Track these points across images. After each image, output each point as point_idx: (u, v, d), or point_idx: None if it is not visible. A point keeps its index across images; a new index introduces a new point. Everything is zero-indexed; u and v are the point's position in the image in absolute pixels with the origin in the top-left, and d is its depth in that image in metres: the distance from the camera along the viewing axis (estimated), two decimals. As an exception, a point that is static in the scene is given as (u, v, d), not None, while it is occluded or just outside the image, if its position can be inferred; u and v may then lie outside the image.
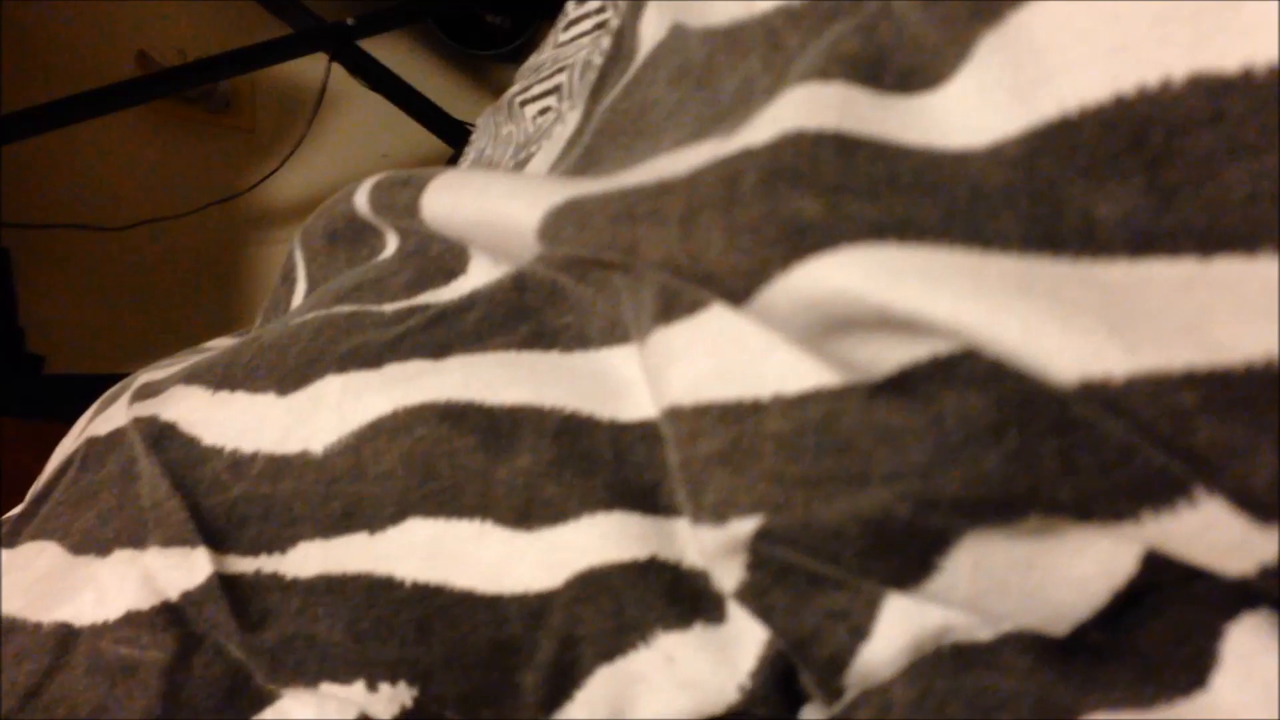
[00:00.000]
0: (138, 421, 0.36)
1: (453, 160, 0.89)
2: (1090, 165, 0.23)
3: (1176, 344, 0.21)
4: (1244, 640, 0.23)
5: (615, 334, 0.33)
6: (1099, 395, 0.22)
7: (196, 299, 1.65)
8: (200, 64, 1.32)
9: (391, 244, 0.40)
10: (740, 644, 0.29)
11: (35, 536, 0.35)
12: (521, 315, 0.35)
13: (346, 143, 1.77)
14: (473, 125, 0.73)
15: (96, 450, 0.37)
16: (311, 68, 1.49)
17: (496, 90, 1.97)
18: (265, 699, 0.30)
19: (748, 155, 0.27)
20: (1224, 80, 0.21)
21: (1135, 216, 0.22)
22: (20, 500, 0.39)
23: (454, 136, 1.63)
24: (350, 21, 1.40)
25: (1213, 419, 0.21)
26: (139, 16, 1.61)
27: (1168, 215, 0.22)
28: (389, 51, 1.57)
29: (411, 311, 0.36)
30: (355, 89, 1.55)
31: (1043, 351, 0.22)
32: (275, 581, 0.31)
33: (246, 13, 1.50)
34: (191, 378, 0.37)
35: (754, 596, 0.28)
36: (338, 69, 1.47)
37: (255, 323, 0.50)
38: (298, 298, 0.45)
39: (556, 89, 0.58)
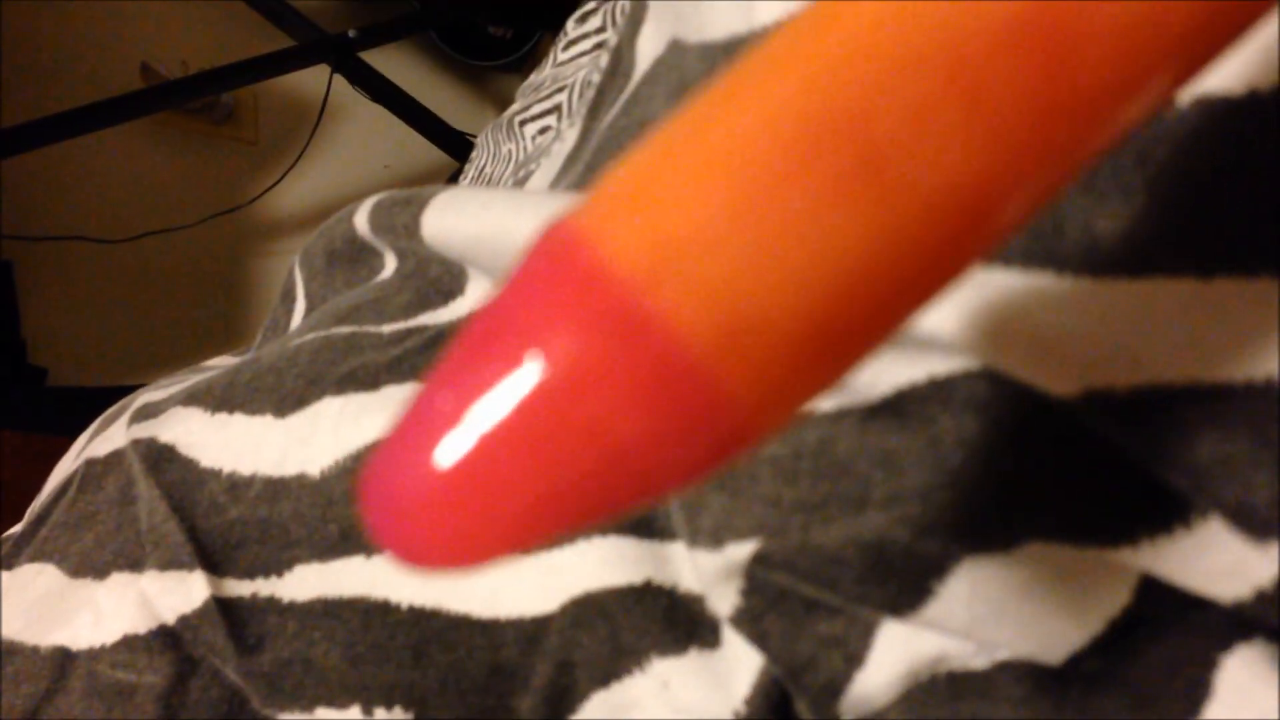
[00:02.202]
0: (136, 443, 0.36)
1: (456, 174, 0.89)
2: (1093, 182, 0.23)
3: (1180, 360, 0.21)
4: (1237, 671, 0.23)
5: None
6: (1103, 403, 0.22)
7: (199, 310, 1.65)
8: (203, 76, 1.32)
9: (390, 265, 0.40)
10: (735, 670, 0.29)
11: (34, 558, 0.35)
12: None
13: (348, 154, 1.77)
14: (474, 136, 0.73)
15: (95, 472, 0.37)
16: (313, 80, 1.49)
17: (499, 101, 1.98)
18: (262, 724, 0.30)
19: None
20: (1229, 102, 0.21)
21: (1136, 234, 0.22)
22: (21, 515, 0.39)
23: (456, 148, 1.63)
24: (352, 33, 1.40)
25: (1214, 434, 0.21)
26: (142, 29, 1.62)
27: (1168, 234, 0.22)
28: (391, 63, 1.58)
29: (409, 333, 0.36)
30: (357, 101, 1.56)
31: (1047, 362, 0.22)
32: (272, 605, 0.31)
33: (249, 25, 1.51)
34: (190, 399, 0.37)
35: (749, 622, 0.28)
36: (340, 81, 1.48)
37: (256, 338, 0.50)
38: (297, 317, 0.45)
39: (556, 108, 0.58)
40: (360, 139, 1.78)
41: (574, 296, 0.11)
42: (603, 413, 0.11)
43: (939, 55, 0.11)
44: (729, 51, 0.33)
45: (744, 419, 0.12)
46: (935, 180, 0.11)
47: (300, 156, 1.63)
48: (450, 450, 0.12)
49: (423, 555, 0.12)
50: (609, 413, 0.11)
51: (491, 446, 0.12)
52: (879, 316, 0.12)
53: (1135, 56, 0.11)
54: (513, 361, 0.11)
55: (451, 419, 0.12)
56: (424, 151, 1.68)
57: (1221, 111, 0.21)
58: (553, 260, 0.12)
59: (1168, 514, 0.23)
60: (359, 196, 0.42)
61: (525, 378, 0.11)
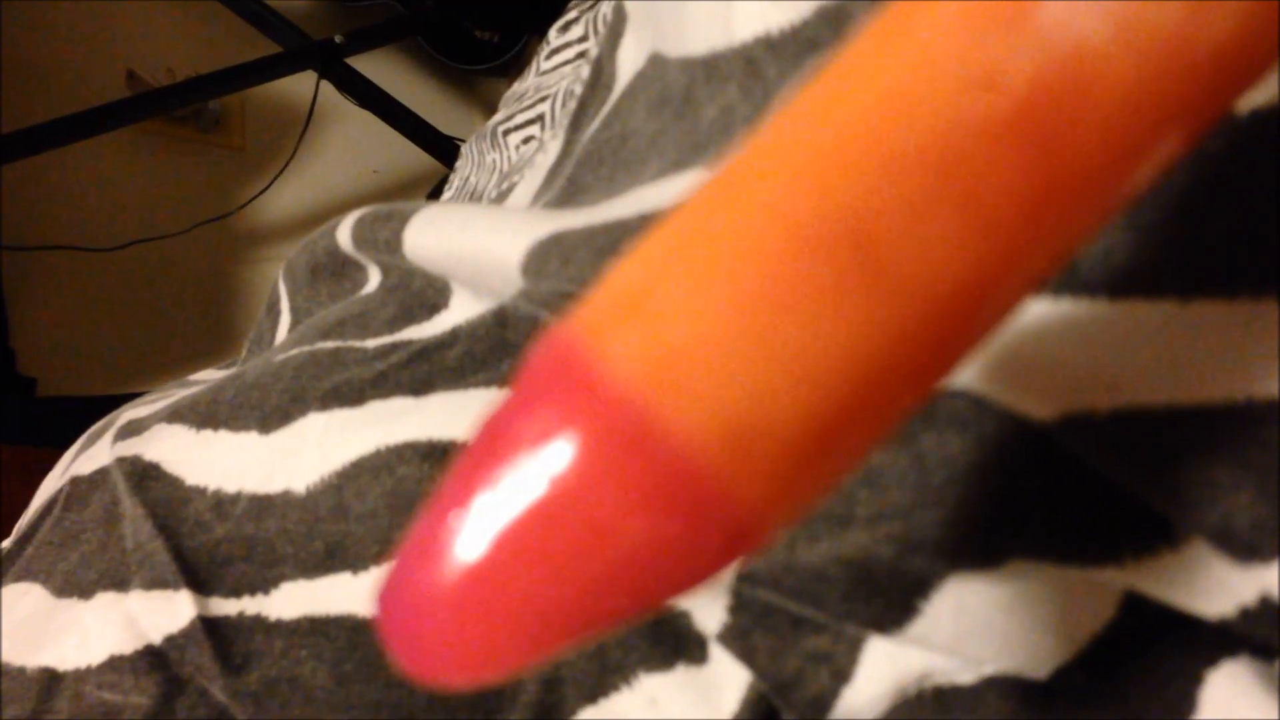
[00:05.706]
0: (121, 461, 0.36)
1: (444, 180, 0.89)
2: None
3: (1159, 382, 0.21)
4: (1223, 687, 0.23)
5: None
6: (1082, 427, 0.22)
7: (188, 318, 1.64)
8: (190, 83, 1.32)
9: (374, 278, 0.40)
10: (722, 685, 0.29)
11: (20, 578, 0.35)
12: (503, 351, 0.34)
13: (336, 160, 1.77)
14: (462, 141, 0.73)
15: (80, 490, 0.37)
16: (300, 85, 1.49)
17: (486, 105, 1.98)
18: (249, 744, 0.30)
19: None
20: None
21: (1114, 255, 0.22)
22: (11, 528, 0.39)
23: (443, 152, 1.63)
24: (338, 39, 1.40)
25: (1195, 457, 0.21)
26: (128, 36, 1.61)
27: (1146, 255, 0.22)
28: (378, 68, 1.57)
29: (394, 347, 0.36)
30: (344, 106, 1.56)
31: (1026, 386, 0.22)
32: (259, 623, 0.31)
33: (235, 32, 1.50)
34: (174, 416, 0.37)
35: (736, 638, 0.28)
36: (327, 86, 1.47)
37: (243, 349, 0.50)
38: (282, 330, 0.45)
39: (539, 118, 0.58)
40: (348, 145, 1.78)
41: (576, 407, 0.12)
42: (609, 520, 0.11)
43: (931, 151, 0.11)
44: (709, 67, 0.33)
45: (751, 520, 0.12)
46: (933, 275, 0.11)
47: (288, 163, 1.63)
48: (459, 560, 0.12)
49: (438, 667, 0.12)
50: (615, 520, 0.11)
51: (500, 555, 0.12)
52: (882, 411, 0.12)
53: (1133, 129, 0.11)
54: (517, 472, 0.12)
55: (458, 530, 0.12)
56: (412, 157, 1.68)
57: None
58: (553, 371, 0.12)
59: (1152, 534, 0.23)
60: (348, 202, 0.42)
61: (529, 488, 0.11)
